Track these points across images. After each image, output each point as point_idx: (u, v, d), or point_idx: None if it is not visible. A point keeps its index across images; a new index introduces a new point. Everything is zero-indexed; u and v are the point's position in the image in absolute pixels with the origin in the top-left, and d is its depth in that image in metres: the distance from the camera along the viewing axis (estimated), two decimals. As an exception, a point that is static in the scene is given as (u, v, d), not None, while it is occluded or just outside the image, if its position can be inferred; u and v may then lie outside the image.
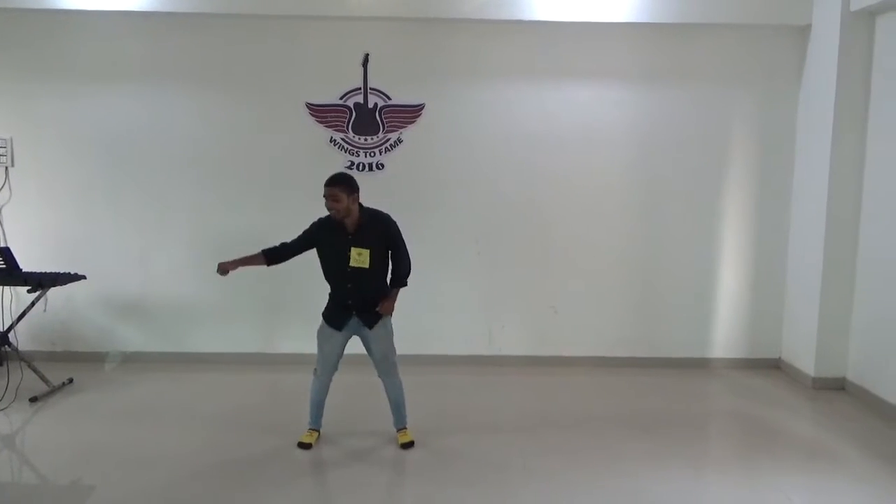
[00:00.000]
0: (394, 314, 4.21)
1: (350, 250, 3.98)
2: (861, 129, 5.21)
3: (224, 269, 4.14)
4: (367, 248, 3.99)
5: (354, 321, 4.10)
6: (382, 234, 4.07)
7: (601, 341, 5.98)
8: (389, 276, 4.20)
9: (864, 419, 4.83)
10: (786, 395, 5.35)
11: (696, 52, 5.73)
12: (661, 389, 5.43)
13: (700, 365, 5.97)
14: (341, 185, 3.92)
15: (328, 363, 4.16)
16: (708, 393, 5.51)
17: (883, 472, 3.97)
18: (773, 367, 5.98)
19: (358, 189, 4.01)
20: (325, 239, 4.08)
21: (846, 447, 4.32)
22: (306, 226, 4.20)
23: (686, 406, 5.10)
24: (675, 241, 5.91)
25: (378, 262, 4.06)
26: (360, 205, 4.06)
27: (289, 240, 4.19)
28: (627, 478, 3.85)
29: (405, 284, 4.21)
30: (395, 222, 4.15)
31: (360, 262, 3.98)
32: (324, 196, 3.94)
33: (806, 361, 5.56)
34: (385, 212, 4.19)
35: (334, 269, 4.08)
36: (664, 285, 5.95)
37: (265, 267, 4.23)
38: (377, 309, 4.10)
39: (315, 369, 4.21)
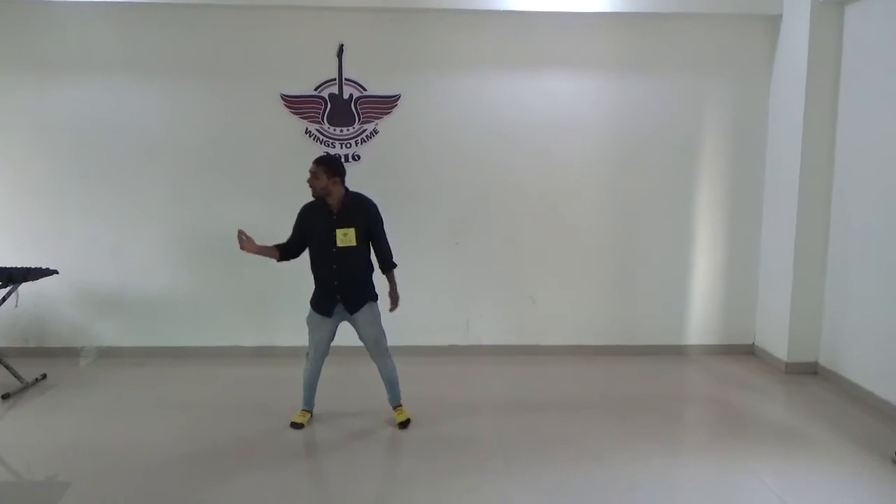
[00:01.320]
0: (378, 297, 4.35)
1: (335, 231, 4.11)
2: (831, 118, 5.28)
3: (244, 245, 4.19)
4: (351, 227, 4.12)
5: (340, 308, 4.21)
6: (364, 216, 4.19)
7: (579, 330, 6.03)
8: (376, 262, 4.33)
9: (835, 402, 4.92)
10: (759, 380, 5.43)
11: (670, 42, 5.77)
12: (638, 376, 5.49)
13: (676, 352, 6.04)
14: (324, 165, 4.09)
15: (319, 349, 4.31)
16: (683, 379, 5.57)
17: (854, 452, 4.06)
18: (748, 352, 6.07)
19: (342, 173, 4.15)
20: (312, 221, 4.20)
21: (818, 429, 4.40)
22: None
23: (661, 392, 5.17)
24: (651, 230, 5.96)
25: (362, 243, 4.18)
26: (346, 188, 4.19)
27: (284, 239, 4.31)
28: (604, 462, 3.89)
29: (395, 265, 4.36)
30: (376, 206, 4.27)
31: (346, 241, 4.12)
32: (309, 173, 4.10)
33: (779, 347, 5.65)
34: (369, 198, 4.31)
35: (321, 250, 4.18)
36: (640, 274, 6.01)
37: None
38: (389, 310, 4.30)
39: (307, 353, 4.34)
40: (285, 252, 4.28)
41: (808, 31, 5.23)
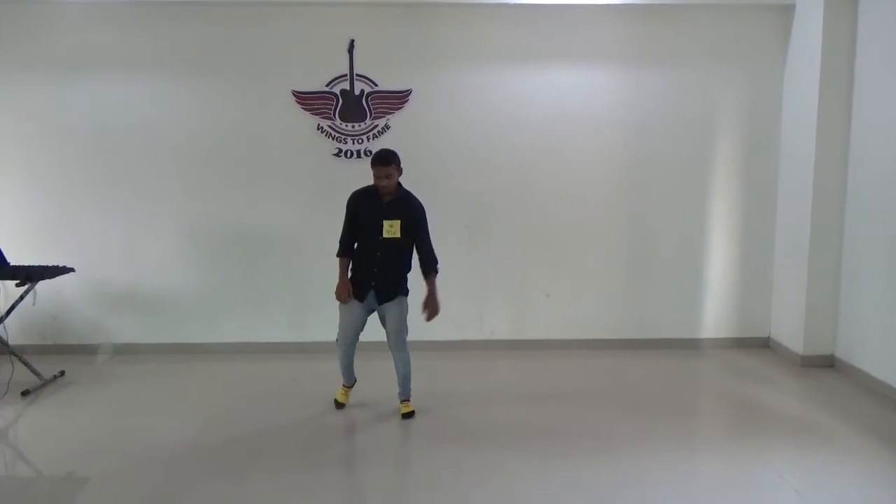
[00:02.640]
0: (409, 293, 4.40)
1: (382, 222, 4.17)
2: (846, 109, 5.23)
3: (344, 297, 4.28)
4: (398, 219, 4.18)
5: (372, 296, 4.27)
6: (410, 211, 4.25)
7: (592, 324, 6.02)
8: (416, 264, 4.37)
9: (852, 395, 4.89)
10: (775, 373, 5.40)
11: (682, 33, 5.73)
12: (652, 370, 5.48)
13: (690, 345, 6.02)
14: (394, 165, 4.14)
15: (349, 334, 4.36)
16: (698, 373, 5.56)
17: (871, 446, 4.02)
18: (763, 346, 6.04)
19: (402, 164, 4.23)
20: (363, 208, 4.26)
21: (835, 423, 4.37)
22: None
23: (676, 386, 5.15)
24: (664, 223, 5.94)
25: (405, 237, 4.23)
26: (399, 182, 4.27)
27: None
28: (618, 456, 3.88)
29: (437, 271, 4.37)
30: (423, 207, 4.33)
31: (391, 232, 4.19)
32: (375, 175, 4.14)
33: (794, 340, 5.61)
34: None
35: (367, 238, 4.24)
36: (654, 267, 5.99)
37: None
38: (425, 319, 4.33)
39: (336, 339, 4.41)
40: (350, 251, 4.32)
41: (822, 20, 5.18)
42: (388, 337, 4.38)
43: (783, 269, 5.84)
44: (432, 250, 4.35)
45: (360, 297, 4.28)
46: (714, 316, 6.06)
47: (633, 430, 4.24)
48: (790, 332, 5.70)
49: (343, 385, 4.57)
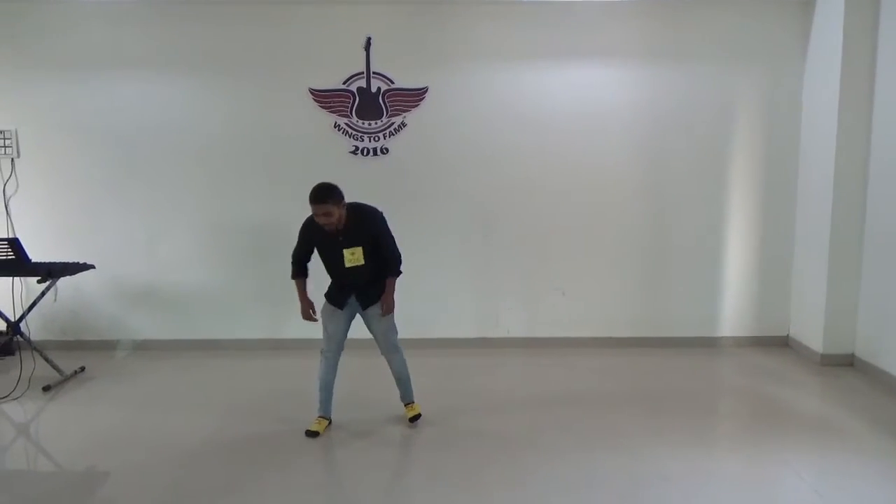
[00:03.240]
0: (403, 299, 4.25)
1: (342, 252, 4.01)
2: (867, 104, 5.17)
3: (309, 316, 4.23)
4: (358, 245, 4.01)
5: (354, 301, 4.16)
6: (368, 230, 4.04)
7: (609, 322, 6.00)
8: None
9: (873, 395, 4.83)
10: (794, 372, 5.35)
11: (700, 30, 5.69)
12: (670, 368, 5.45)
13: (708, 344, 5.98)
14: (332, 200, 3.85)
15: (333, 342, 4.21)
16: (716, 371, 5.52)
17: (893, 447, 3.98)
18: (782, 344, 5.99)
19: (342, 194, 3.92)
20: (317, 239, 4.08)
21: (856, 423, 4.32)
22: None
23: (694, 384, 5.11)
24: (682, 220, 5.90)
25: (373, 256, 4.08)
26: (345, 206, 3.99)
27: (293, 251, 4.22)
28: (637, 455, 3.86)
29: (399, 273, 4.20)
30: (380, 214, 4.12)
31: (354, 261, 4.02)
32: (313, 213, 3.88)
33: (814, 338, 5.56)
34: (369, 205, 4.14)
35: (332, 266, 4.12)
36: (671, 265, 5.95)
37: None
38: (380, 313, 4.13)
39: (321, 349, 4.25)
40: (304, 271, 4.21)
41: (843, 16, 5.12)
42: (378, 342, 4.25)
43: (803, 267, 5.78)
44: (395, 251, 4.14)
45: (339, 304, 4.15)
46: (732, 314, 6.02)
47: (652, 429, 4.22)
48: (810, 330, 5.64)
49: (319, 416, 4.25)
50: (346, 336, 4.25)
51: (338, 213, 3.90)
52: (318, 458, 3.92)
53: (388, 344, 4.24)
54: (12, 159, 5.76)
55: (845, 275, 5.35)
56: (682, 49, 5.71)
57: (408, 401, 4.36)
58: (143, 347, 5.96)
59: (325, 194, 3.84)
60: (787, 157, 5.82)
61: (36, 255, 5.17)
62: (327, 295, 4.25)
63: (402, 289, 4.25)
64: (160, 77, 5.72)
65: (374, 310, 4.18)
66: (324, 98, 5.73)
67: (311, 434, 4.16)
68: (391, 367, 4.32)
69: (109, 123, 5.75)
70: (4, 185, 5.79)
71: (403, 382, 4.34)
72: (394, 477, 3.73)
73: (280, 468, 3.74)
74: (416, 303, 4.36)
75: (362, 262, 4.03)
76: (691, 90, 5.75)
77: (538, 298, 5.99)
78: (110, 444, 4.09)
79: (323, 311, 4.24)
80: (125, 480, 3.63)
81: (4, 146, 5.72)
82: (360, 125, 5.76)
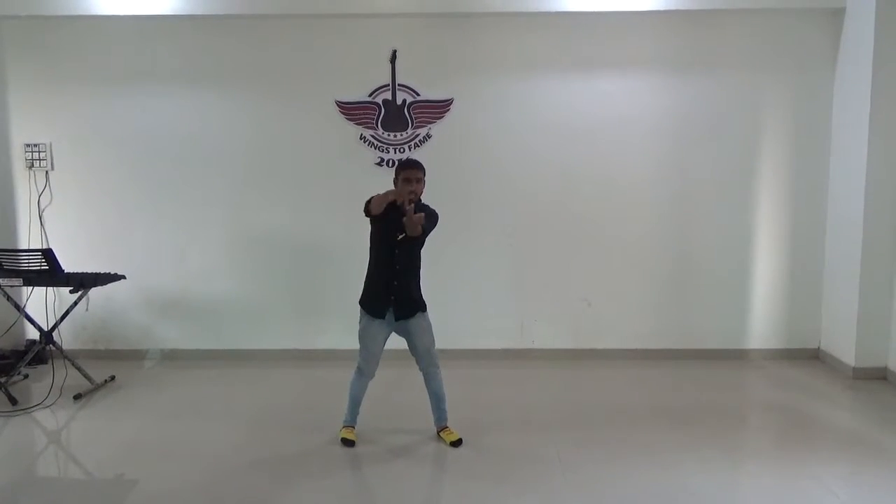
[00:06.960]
0: (429, 310, 4.19)
1: (400, 227, 3.85)
2: (900, 113, 5.09)
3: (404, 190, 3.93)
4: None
5: (391, 314, 4.06)
6: (428, 220, 3.93)
7: (636, 333, 5.94)
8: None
9: (907, 409, 4.74)
10: (825, 385, 5.26)
11: (727, 40, 5.65)
12: (698, 381, 5.38)
13: (737, 356, 5.89)
14: (423, 171, 4.03)
15: (374, 361, 4.12)
16: (746, 384, 5.44)
17: (927, 462, 3.89)
18: (813, 357, 5.88)
19: None
20: (391, 212, 3.89)
21: (889, 438, 4.23)
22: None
23: (723, 398, 5.04)
24: (710, 231, 5.84)
25: (418, 256, 4.09)
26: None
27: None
28: (665, 470, 3.82)
29: (423, 221, 3.90)
30: (437, 215, 4.10)
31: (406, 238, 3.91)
32: (403, 179, 3.92)
33: (846, 351, 5.46)
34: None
35: (385, 238, 3.99)
36: (699, 276, 5.89)
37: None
38: (403, 220, 3.79)
39: (359, 367, 4.16)
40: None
41: (874, 24, 5.04)
42: (417, 357, 4.15)
43: (834, 278, 5.68)
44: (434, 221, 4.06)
45: (379, 313, 4.05)
46: (762, 326, 5.93)
47: (680, 443, 4.17)
48: (841, 343, 5.54)
49: (346, 424, 4.22)
50: (381, 354, 4.17)
51: (422, 186, 4.03)
52: (349, 470, 3.92)
53: (430, 358, 4.14)
54: (46, 172, 5.89)
55: (878, 286, 5.25)
56: (710, 59, 5.67)
57: (443, 424, 4.23)
58: (172, 357, 6.03)
59: (417, 163, 4.07)
60: (817, 167, 5.73)
61: (68, 265, 5.25)
62: (363, 303, 4.14)
63: (428, 298, 4.23)
64: (190, 91, 5.81)
65: (416, 322, 4.08)
66: (350, 110, 5.78)
67: (348, 443, 4.13)
68: (430, 385, 4.19)
69: (141, 137, 5.85)
70: (39, 196, 5.92)
71: (440, 401, 4.21)
72: (419, 494, 3.70)
73: (311, 479, 3.75)
74: (439, 313, 4.32)
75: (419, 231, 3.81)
76: (719, 101, 5.70)
77: (563, 309, 5.95)
78: (139, 452, 4.14)
79: (363, 331, 4.12)
80: (154, 489, 3.67)
81: (39, 159, 5.85)
82: (386, 137, 5.80)
